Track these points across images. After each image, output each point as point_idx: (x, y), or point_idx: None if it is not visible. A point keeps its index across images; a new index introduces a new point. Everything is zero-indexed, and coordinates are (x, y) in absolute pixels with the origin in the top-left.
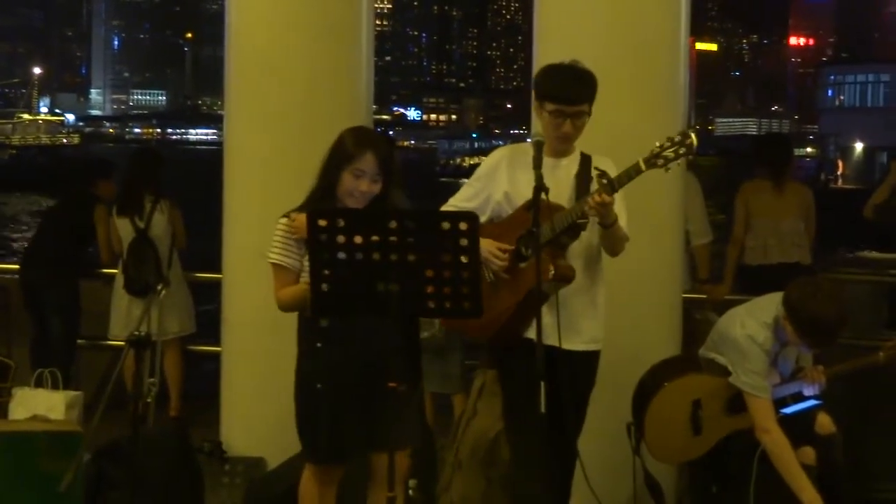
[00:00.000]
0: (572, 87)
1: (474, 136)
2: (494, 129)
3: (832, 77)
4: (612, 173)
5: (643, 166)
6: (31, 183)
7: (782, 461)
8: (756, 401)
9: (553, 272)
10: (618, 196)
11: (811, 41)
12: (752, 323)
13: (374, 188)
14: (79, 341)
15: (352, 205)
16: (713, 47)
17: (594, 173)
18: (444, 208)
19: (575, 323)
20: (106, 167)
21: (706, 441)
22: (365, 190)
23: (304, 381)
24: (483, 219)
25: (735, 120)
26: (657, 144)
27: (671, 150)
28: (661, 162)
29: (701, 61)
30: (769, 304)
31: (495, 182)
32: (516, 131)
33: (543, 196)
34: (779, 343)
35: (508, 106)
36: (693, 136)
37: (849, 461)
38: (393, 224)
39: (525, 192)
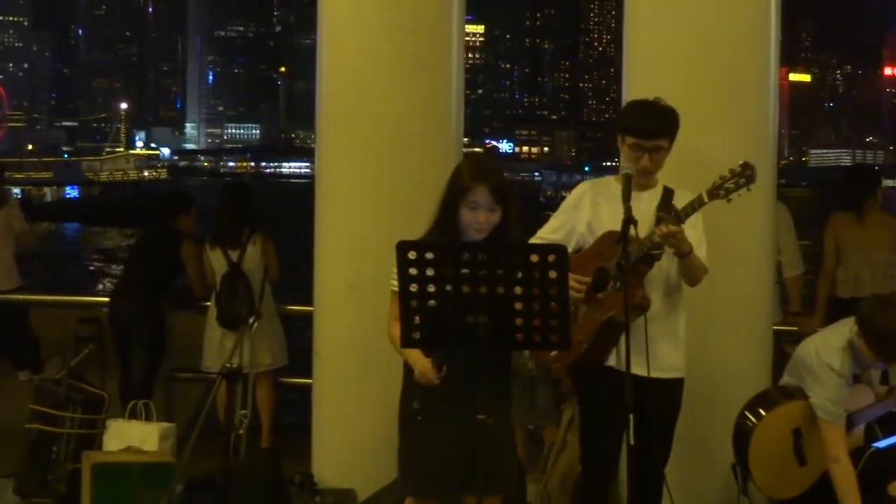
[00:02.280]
0: (650, 122)
1: (586, 168)
2: (585, 162)
3: None
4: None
5: (706, 198)
6: (119, 217)
7: (845, 493)
8: (829, 427)
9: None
10: (697, 227)
11: None
12: (826, 350)
13: (492, 218)
14: (182, 375)
15: (474, 236)
16: (807, 78)
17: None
18: (532, 240)
19: (653, 351)
20: (186, 201)
21: (813, 471)
22: (483, 221)
23: (408, 414)
24: (568, 249)
25: (829, 151)
26: (719, 176)
27: (732, 181)
28: (722, 193)
29: (794, 92)
30: (843, 329)
31: (579, 214)
32: (608, 163)
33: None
34: (858, 366)
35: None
36: (753, 167)
37: None
38: (482, 257)
39: (606, 224)
